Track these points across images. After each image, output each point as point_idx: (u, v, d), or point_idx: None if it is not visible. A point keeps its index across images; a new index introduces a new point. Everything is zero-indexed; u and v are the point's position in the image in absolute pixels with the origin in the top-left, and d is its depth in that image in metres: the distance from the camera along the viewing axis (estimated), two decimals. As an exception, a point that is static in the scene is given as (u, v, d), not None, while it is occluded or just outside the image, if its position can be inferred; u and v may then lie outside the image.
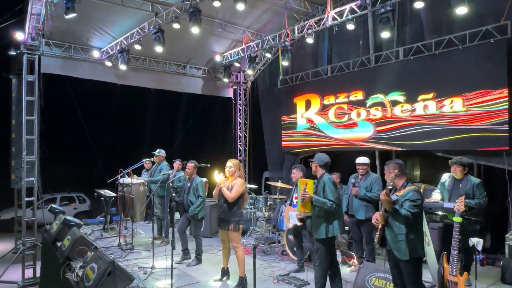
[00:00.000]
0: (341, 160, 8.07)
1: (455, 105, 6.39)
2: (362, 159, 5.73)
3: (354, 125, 7.68)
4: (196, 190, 6.04)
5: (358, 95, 7.61)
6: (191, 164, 6.22)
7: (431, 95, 6.62)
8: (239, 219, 4.90)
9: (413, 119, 6.84)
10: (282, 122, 9.88)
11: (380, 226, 3.53)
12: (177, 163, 7.54)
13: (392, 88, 7.10)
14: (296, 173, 5.66)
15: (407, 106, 6.84)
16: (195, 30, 6.88)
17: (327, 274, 4.28)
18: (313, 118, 8.15)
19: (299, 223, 5.48)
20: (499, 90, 5.91)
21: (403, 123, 6.98)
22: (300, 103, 8.46)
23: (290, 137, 9.54)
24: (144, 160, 8.45)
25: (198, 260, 6.12)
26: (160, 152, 7.65)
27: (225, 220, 4.91)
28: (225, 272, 5.30)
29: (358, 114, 7.75)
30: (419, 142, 6.83)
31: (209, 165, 6.58)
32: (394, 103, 7.09)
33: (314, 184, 4.29)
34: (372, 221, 3.65)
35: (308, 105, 8.31)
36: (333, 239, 4.31)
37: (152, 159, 7.92)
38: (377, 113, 7.35)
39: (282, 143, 9.90)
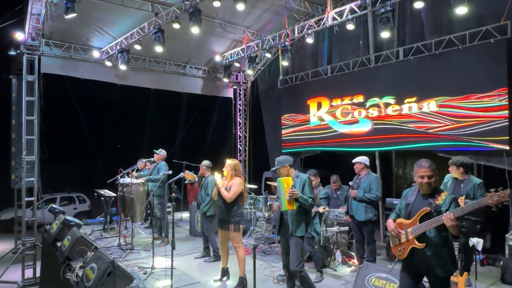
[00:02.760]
0: (342, 160, 8.12)
1: (430, 106, 6.85)
2: (358, 159, 5.77)
3: (355, 121, 8.31)
4: (206, 188, 6.24)
5: (360, 98, 8.22)
6: (201, 165, 6.53)
7: (414, 99, 7.18)
8: (239, 219, 4.89)
9: (401, 118, 7.40)
10: (283, 122, 9.96)
11: (420, 245, 3.02)
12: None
13: (386, 93, 7.70)
14: (315, 180, 5.75)
15: (397, 107, 7.51)
16: (195, 30, 6.88)
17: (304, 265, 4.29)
18: (323, 116, 9.03)
19: None
20: (499, 90, 5.92)
21: (393, 122, 7.61)
22: (312, 104, 9.27)
23: (294, 136, 9.73)
24: (139, 162, 8.46)
25: (216, 256, 6.17)
26: (161, 152, 7.66)
27: (225, 220, 4.91)
28: (225, 272, 5.30)
29: (359, 113, 8.21)
30: (413, 137, 7.19)
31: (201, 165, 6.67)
32: (387, 104, 7.71)
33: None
34: (392, 232, 3.19)
35: (319, 106, 9.11)
36: (304, 236, 4.35)
37: (152, 159, 7.91)
38: (374, 112, 7.94)
39: (283, 142, 9.96)
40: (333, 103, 8.76)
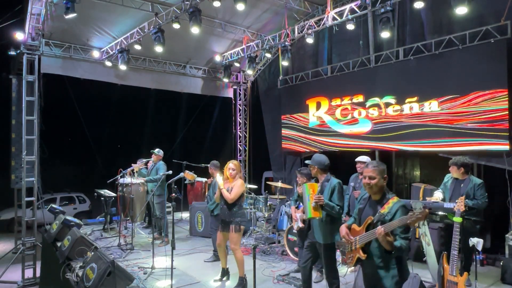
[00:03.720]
0: (341, 160, 8.12)
1: (431, 106, 6.81)
2: (361, 158, 5.77)
3: (355, 122, 8.27)
4: (214, 187, 6.30)
5: (359, 98, 8.16)
6: (209, 166, 6.58)
7: (415, 98, 7.13)
8: (240, 219, 4.89)
9: (402, 118, 7.36)
10: (283, 122, 9.95)
11: (362, 256, 2.92)
12: (149, 163, 7.84)
13: (386, 92, 7.65)
14: (301, 178, 5.63)
15: (397, 107, 7.47)
16: (195, 30, 6.87)
17: (338, 273, 4.25)
18: (322, 116, 8.96)
19: (301, 225, 5.46)
20: (499, 90, 5.92)
21: (394, 120, 7.56)
22: (311, 104, 9.19)
23: (294, 136, 9.70)
24: (138, 162, 8.44)
25: (216, 256, 6.19)
26: (159, 152, 7.67)
27: (227, 221, 4.91)
28: (225, 273, 5.30)
29: (359, 113, 8.17)
30: (413, 139, 7.16)
31: (208, 165, 6.66)
32: (387, 104, 7.65)
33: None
34: (343, 239, 3.10)
35: (318, 106, 9.03)
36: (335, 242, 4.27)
37: (152, 159, 7.92)
38: (374, 112, 7.88)
39: (283, 142, 9.96)
40: (333, 103, 8.70)
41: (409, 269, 3.05)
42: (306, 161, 4.40)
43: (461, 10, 5.57)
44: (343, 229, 3.13)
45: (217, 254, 6.12)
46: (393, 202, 2.86)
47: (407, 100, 7.24)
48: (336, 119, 8.65)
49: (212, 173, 6.48)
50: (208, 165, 6.63)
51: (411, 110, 7.19)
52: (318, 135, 9.06)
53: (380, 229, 2.70)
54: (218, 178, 4.99)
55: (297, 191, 5.02)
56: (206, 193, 6.76)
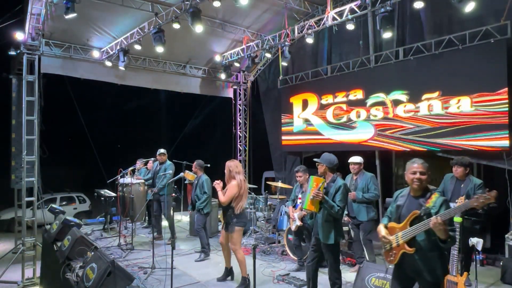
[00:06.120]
0: (343, 159, 8.10)
1: (462, 104, 6.32)
2: (354, 158, 5.74)
3: (353, 126, 7.60)
4: (202, 187, 6.41)
5: (358, 94, 7.47)
6: (194, 164, 6.64)
7: (436, 94, 6.52)
8: (237, 220, 4.87)
9: (416, 119, 6.80)
10: (282, 122, 9.91)
11: (410, 250, 2.95)
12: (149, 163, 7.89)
13: (394, 87, 7.01)
14: (303, 176, 5.72)
15: (410, 106, 6.74)
16: (197, 29, 6.89)
17: (341, 273, 4.26)
18: (310, 118, 7.93)
19: (299, 223, 5.51)
20: (499, 90, 5.91)
21: (405, 124, 6.91)
22: (296, 103, 8.26)
23: (289, 138, 9.55)
24: (138, 162, 8.45)
25: (205, 253, 6.30)
26: (164, 152, 7.67)
27: (227, 222, 4.96)
28: (228, 272, 5.30)
29: (358, 114, 7.70)
30: (422, 141, 6.83)
31: (208, 165, 6.70)
32: (396, 102, 7.01)
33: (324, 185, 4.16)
34: (383, 239, 3.12)
35: (305, 105, 8.15)
36: (339, 243, 4.26)
37: (152, 158, 7.94)
38: (377, 113, 7.29)
39: (283, 143, 9.92)
40: (323, 101, 7.70)
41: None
42: (315, 159, 4.38)
43: (470, 7, 5.50)
44: (381, 230, 3.16)
45: (205, 250, 6.31)
46: (435, 197, 2.94)
47: (424, 97, 6.45)
48: (327, 122, 7.57)
49: (196, 171, 6.56)
50: (208, 165, 6.67)
51: (429, 109, 6.36)
52: (304, 142, 8.06)
53: (435, 218, 2.74)
54: (218, 187, 4.97)
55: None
56: (192, 193, 6.69)
